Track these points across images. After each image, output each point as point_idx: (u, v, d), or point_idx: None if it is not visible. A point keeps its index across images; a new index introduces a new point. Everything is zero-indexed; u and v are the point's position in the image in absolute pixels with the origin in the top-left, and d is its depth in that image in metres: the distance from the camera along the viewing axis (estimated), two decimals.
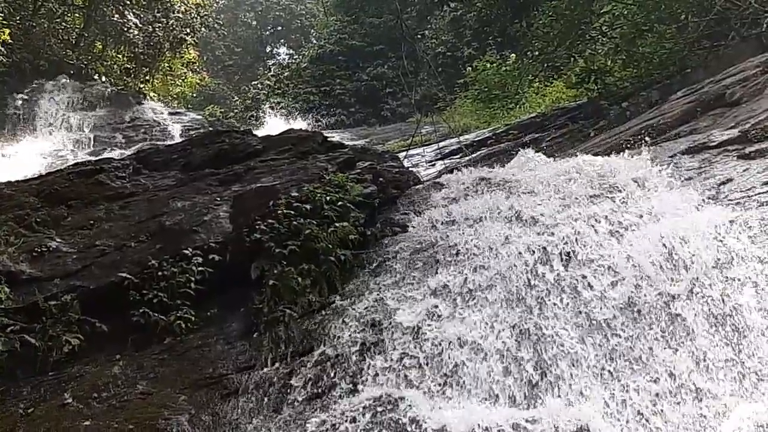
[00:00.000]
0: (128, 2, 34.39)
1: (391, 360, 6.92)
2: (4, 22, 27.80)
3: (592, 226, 7.94)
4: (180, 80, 41.22)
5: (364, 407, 6.45)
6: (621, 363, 6.56)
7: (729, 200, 8.23)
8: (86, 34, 34.85)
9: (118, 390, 7.06)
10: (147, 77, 37.04)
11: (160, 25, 35.71)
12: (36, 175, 11.13)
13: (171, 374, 7.27)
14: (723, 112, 11.35)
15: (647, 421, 6.15)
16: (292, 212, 8.60)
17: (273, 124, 31.82)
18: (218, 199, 9.29)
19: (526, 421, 6.08)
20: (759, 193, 8.19)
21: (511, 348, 6.79)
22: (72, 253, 8.47)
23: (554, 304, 7.12)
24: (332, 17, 46.81)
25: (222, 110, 40.79)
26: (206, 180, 9.86)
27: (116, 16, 34.23)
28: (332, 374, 6.94)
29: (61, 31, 33.91)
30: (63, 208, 9.26)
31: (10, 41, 27.59)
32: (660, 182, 8.78)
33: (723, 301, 6.82)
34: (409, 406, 6.34)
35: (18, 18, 30.75)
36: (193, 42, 39.33)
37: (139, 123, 31.45)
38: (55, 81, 31.65)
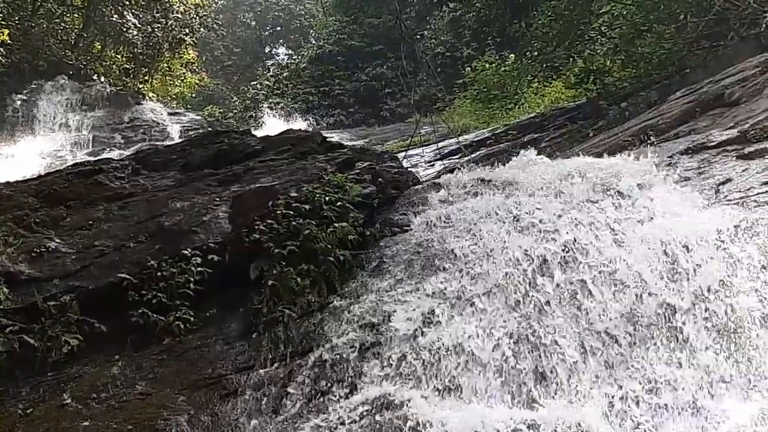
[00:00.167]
0: (127, 3, 34.40)
1: (390, 361, 6.90)
2: (3, 22, 27.82)
3: (593, 232, 7.85)
4: (179, 80, 41.27)
5: (363, 408, 6.44)
6: (621, 373, 6.50)
7: (728, 200, 8.22)
8: (85, 35, 34.87)
9: (117, 390, 7.06)
10: (146, 77, 37.08)
11: (159, 25, 35.74)
12: (35, 176, 11.11)
13: (170, 375, 7.27)
14: (722, 112, 11.34)
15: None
16: (291, 212, 8.59)
17: (272, 125, 31.79)
18: (217, 199, 9.28)
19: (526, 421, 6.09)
20: (758, 193, 8.18)
21: (509, 358, 6.71)
22: (71, 254, 8.47)
23: (553, 312, 7.02)
24: (331, 17, 46.77)
25: (221, 110, 40.75)
26: (205, 180, 9.86)
27: (115, 16, 34.25)
28: (331, 375, 6.93)
29: (60, 31, 33.93)
30: (62, 209, 9.25)
31: (9, 41, 27.61)
32: (664, 186, 8.69)
33: (727, 314, 6.70)
34: (409, 406, 6.33)
35: (17, 18, 30.76)
36: (192, 42, 39.39)
37: (138, 123, 31.48)
38: (54, 81, 31.67)
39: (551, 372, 6.58)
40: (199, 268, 8.13)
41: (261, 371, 7.19)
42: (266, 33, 64.65)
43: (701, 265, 7.14)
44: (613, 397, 6.30)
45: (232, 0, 62.03)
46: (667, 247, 7.39)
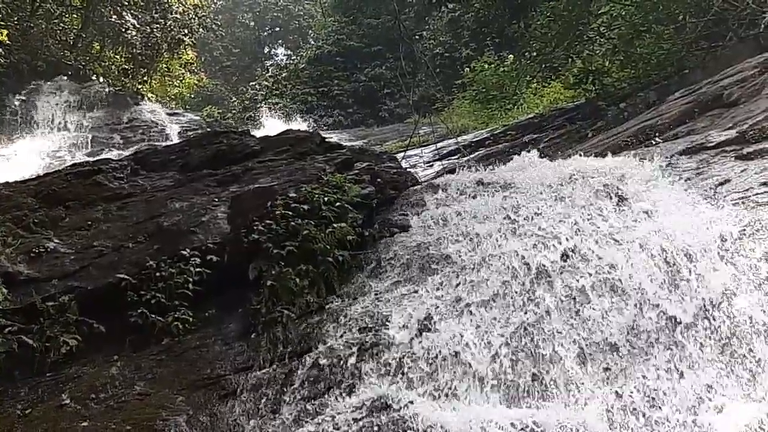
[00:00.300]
0: (126, 3, 34.36)
1: (389, 362, 6.91)
2: (2, 22, 27.77)
3: (593, 237, 7.78)
4: (178, 81, 41.23)
5: (361, 408, 6.45)
6: (620, 384, 6.46)
7: (727, 201, 8.22)
8: (84, 35, 34.82)
9: (116, 391, 7.05)
10: (145, 78, 37.02)
11: (158, 26, 35.69)
12: (34, 176, 11.10)
13: (169, 375, 7.27)
14: (721, 113, 11.36)
15: None
16: (290, 213, 8.60)
17: (271, 125, 31.76)
18: (216, 199, 9.28)
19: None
20: (757, 194, 8.19)
21: (507, 370, 6.68)
22: (70, 254, 8.47)
23: (552, 322, 6.96)
24: (330, 18, 46.81)
25: (220, 111, 40.75)
26: (204, 181, 9.86)
27: (114, 17, 34.20)
28: (330, 375, 6.93)
29: (59, 31, 33.87)
30: (61, 209, 9.25)
31: (8, 42, 27.55)
32: (665, 190, 8.66)
33: (730, 328, 6.67)
34: (407, 406, 6.33)
35: (16, 19, 30.70)
36: (191, 43, 39.33)
37: (137, 124, 31.41)
38: (53, 82, 31.61)
39: (551, 383, 6.54)
40: (197, 269, 8.13)
41: (260, 372, 7.20)
42: (265, 33, 64.65)
43: (704, 276, 7.08)
44: (612, 406, 6.27)
45: (231, 0, 62.05)
46: (669, 255, 7.33)
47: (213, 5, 51.71)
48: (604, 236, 7.80)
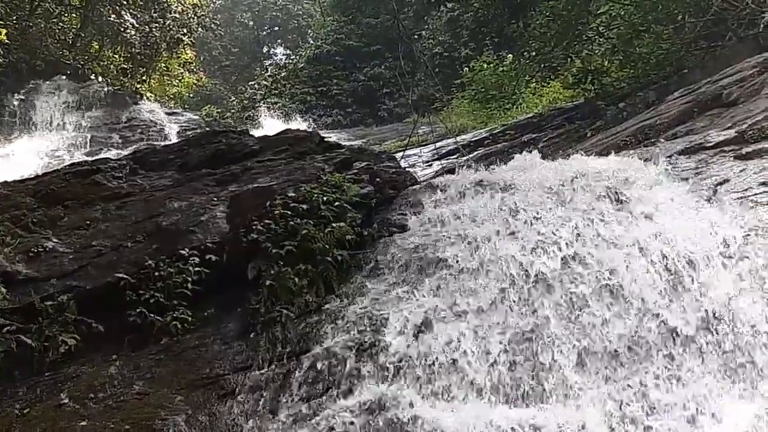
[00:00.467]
0: (125, 2, 34.34)
1: (387, 364, 6.90)
2: (1, 22, 27.70)
3: (594, 243, 7.71)
4: (177, 80, 41.20)
5: (360, 408, 6.45)
6: (620, 394, 6.40)
7: (730, 202, 8.21)
8: (83, 35, 34.79)
9: (115, 390, 7.05)
10: (144, 77, 37.01)
11: (156, 25, 35.67)
12: (32, 176, 11.09)
13: (168, 374, 7.26)
14: (720, 113, 11.35)
15: None
16: (289, 212, 8.59)
17: (270, 125, 31.76)
18: (215, 199, 9.28)
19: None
20: (756, 194, 8.19)
21: (505, 379, 6.65)
22: (68, 254, 8.46)
23: (552, 329, 6.89)
24: (329, 17, 46.77)
25: (219, 110, 40.70)
26: (203, 180, 9.85)
27: (113, 16, 34.19)
28: (329, 375, 6.93)
29: (57, 31, 33.85)
30: (59, 209, 9.24)
31: (6, 41, 27.52)
32: (666, 192, 8.59)
33: (732, 341, 6.61)
34: (406, 406, 6.33)
35: (15, 18, 30.68)
36: (190, 42, 39.33)
37: (135, 123, 31.39)
38: (52, 81, 31.59)
39: (550, 394, 6.50)
40: (196, 268, 8.12)
41: (258, 372, 7.19)
42: (264, 33, 64.60)
43: (707, 286, 7.02)
44: (611, 415, 6.22)
45: (230, 0, 61.99)
46: (670, 262, 7.27)
47: (212, 5, 51.69)
48: (606, 241, 7.72)
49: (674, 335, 6.71)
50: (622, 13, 19.43)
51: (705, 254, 7.34)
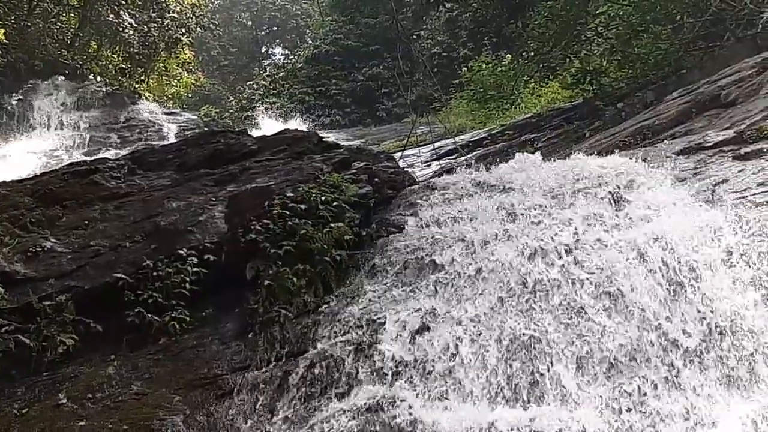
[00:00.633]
0: (123, 2, 34.35)
1: (384, 366, 6.89)
2: (0, 21, 27.77)
3: (594, 248, 7.56)
4: (175, 80, 41.16)
5: (358, 408, 6.45)
6: (620, 401, 6.33)
7: (725, 201, 8.20)
8: (81, 34, 34.78)
9: (113, 390, 7.05)
10: (142, 77, 36.99)
11: (155, 25, 35.67)
12: (31, 176, 11.08)
13: (166, 374, 7.26)
14: (718, 113, 11.36)
15: None
16: (288, 212, 8.59)
17: (268, 125, 31.79)
18: (213, 199, 9.27)
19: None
20: (755, 194, 8.18)
21: (504, 389, 6.57)
22: (67, 254, 8.46)
23: (550, 339, 6.77)
24: (328, 17, 46.77)
25: (217, 110, 40.72)
26: (201, 180, 9.84)
27: (111, 16, 34.20)
28: (327, 375, 6.93)
29: (56, 31, 33.84)
30: (58, 209, 9.24)
31: (5, 41, 27.57)
32: (669, 196, 8.47)
33: (736, 355, 6.53)
34: (404, 406, 6.33)
35: (13, 18, 30.71)
36: (188, 42, 39.33)
37: (134, 123, 31.40)
38: (50, 81, 31.60)
39: (549, 404, 6.42)
40: (195, 268, 8.12)
41: (257, 372, 7.19)
42: (263, 33, 64.60)
43: (711, 298, 6.91)
44: (610, 424, 6.16)
45: (228, 0, 61.96)
46: (672, 271, 7.17)
47: (210, 4, 51.68)
48: (606, 247, 7.58)
49: (675, 346, 6.61)
50: (621, 13, 19.43)
51: (707, 262, 7.24)
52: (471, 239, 8.12)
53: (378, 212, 9.48)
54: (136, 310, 7.74)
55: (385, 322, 7.30)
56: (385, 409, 6.36)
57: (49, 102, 30.83)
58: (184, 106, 43.65)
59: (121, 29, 34.21)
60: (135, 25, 34.75)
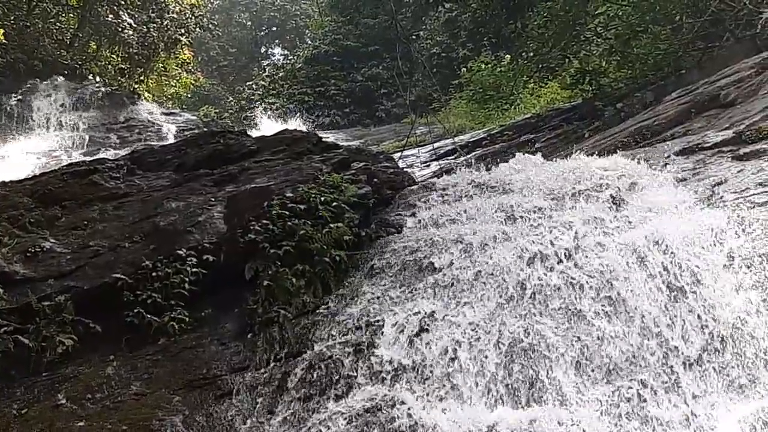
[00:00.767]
0: (122, 2, 34.36)
1: (384, 365, 6.89)
2: None
3: (595, 254, 7.48)
4: (174, 81, 41.18)
5: (358, 408, 6.44)
6: (620, 407, 6.27)
7: (723, 202, 8.20)
8: (80, 35, 34.81)
9: (112, 391, 7.04)
10: (141, 78, 37.00)
11: (154, 25, 35.69)
12: (30, 176, 11.08)
13: (165, 375, 7.26)
14: (717, 113, 11.37)
15: None
16: (287, 213, 8.58)
17: (267, 125, 31.81)
18: (212, 199, 9.27)
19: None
20: (753, 194, 8.18)
21: (502, 393, 6.53)
22: (66, 254, 8.45)
23: (550, 347, 6.71)
24: (327, 18, 46.81)
25: (216, 111, 40.74)
26: (200, 180, 9.84)
27: (110, 16, 34.22)
28: (326, 376, 6.92)
29: (55, 31, 33.86)
30: (57, 209, 9.24)
31: (4, 41, 27.55)
32: (674, 195, 8.44)
33: (739, 365, 6.44)
34: (403, 408, 6.33)
35: (12, 18, 30.72)
36: (187, 42, 39.35)
37: (133, 123, 31.42)
38: (49, 81, 31.62)
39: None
40: (194, 269, 8.11)
41: (256, 372, 7.18)
42: (262, 33, 64.61)
43: (713, 306, 6.83)
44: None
45: (227, 0, 61.96)
46: (675, 278, 7.09)
47: (210, 5, 51.66)
48: (607, 251, 7.51)
49: (676, 355, 6.56)
50: (620, 13, 19.43)
51: (708, 267, 7.17)
52: (469, 242, 8.11)
53: (377, 213, 9.48)
54: (135, 310, 7.74)
55: (383, 325, 7.30)
56: (384, 411, 6.36)
57: (48, 102, 30.83)
58: (184, 106, 43.68)
59: (120, 29, 34.24)
60: (134, 26, 34.78)
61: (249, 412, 6.77)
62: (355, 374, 6.86)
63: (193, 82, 44.26)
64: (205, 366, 7.32)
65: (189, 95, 46.84)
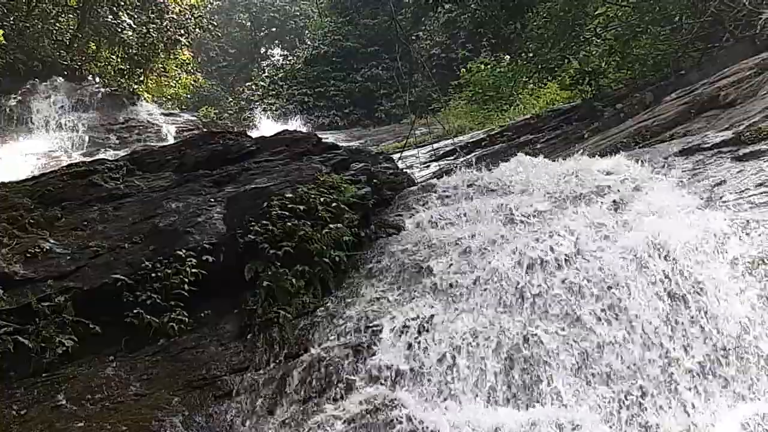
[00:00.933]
0: (122, 3, 34.34)
1: (383, 366, 6.89)
2: None
3: (596, 261, 7.42)
4: (174, 81, 41.11)
5: (358, 409, 6.44)
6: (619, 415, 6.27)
7: (723, 202, 8.20)
8: (80, 35, 34.76)
9: (112, 391, 7.04)
10: (141, 78, 36.93)
11: (154, 26, 35.65)
12: (30, 176, 11.08)
13: (164, 375, 7.26)
14: (717, 114, 11.37)
15: None
16: (287, 213, 8.58)
17: (267, 126, 31.82)
18: (212, 200, 9.27)
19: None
20: (753, 195, 8.18)
21: (500, 401, 6.52)
22: (66, 255, 8.45)
23: (549, 356, 6.68)
24: (326, 18, 46.78)
25: (216, 111, 40.60)
26: (200, 181, 9.84)
27: (110, 17, 34.18)
28: (326, 376, 6.93)
29: (54, 32, 33.83)
30: (57, 209, 9.23)
31: (3, 42, 27.50)
32: (678, 204, 8.32)
33: (744, 379, 6.39)
34: (403, 407, 6.33)
35: (12, 19, 30.68)
36: (187, 43, 39.29)
37: (133, 124, 31.41)
38: (49, 82, 31.60)
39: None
40: (193, 269, 8.10)
41: (255, 373, 7.19)
42: (261, 34, 64.48)
43: (717, 316, 6.78)
44: None
45: (227, 1, 61.88)
46: (677, 288, 7.04)
47: (209, 5, 51.52)
48: (608, 257, 7.46)
49: (678, 366, 6.53)
50: (619, 14, 19.45)
51: (711, 276, 7.12)
52: (467, 246, 8.10)
53: (377, 213, 9.49)
54: (134, 311, 7.73)
55: (382, 329, 7.29)
56: (383, 413, 6.36)
57: (47, 103, 30.82)
58: (183, 106, 43.59)
59: (119, 30, 34.20)
60: (134, 26, 34.75)
61: (248, 412, 6.78)
62: (355, 374, 6.86)
63: (192, 82, 44.18)
64: (205, 367, 7.32)
65: (189, 96, 46.72)
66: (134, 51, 35.54)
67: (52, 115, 30.44)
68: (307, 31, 57.69)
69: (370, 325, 7.37)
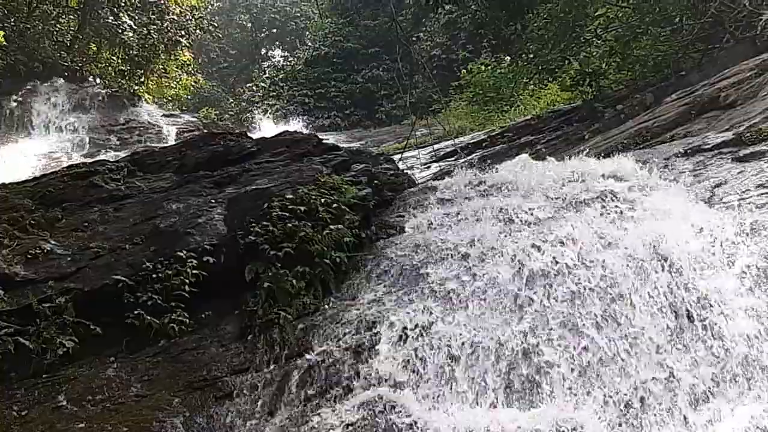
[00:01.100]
0: (123, 4, 34.37)
1: (383, 367, 6.89)
2: None
3: (599, 268, 7.35)
4: (175, 82, 41.18)
5: (358, 410, 6.44)
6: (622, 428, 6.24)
7: (724, 203, 8.19)
8: (81, 36, 34.82)
9: (112, 392, 7.03)
10: (142, 79, 37.00)
11: (154, 27, 35.72)
12: (30, 178, 11.08)
13: (165, 376, 7.25)
14: (717, 115, 11.38)
15: None
16: (287, 214, 8.58)
17: (268, 126, 31.86)
18: (213, 201, 9.27)
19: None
20: (754, 196, 8.18)
21: (499, 407, 6.48)
22: (66, 255, 8.44)
23: (551, 369, 6.63)
24: (327, 19, 46.78)
25: (217, 112, 40.67)
26: (201, 182, 9.84)
27: (110, 18, 34.23)
28: (326, 377, 6.93)
29: (55, 33, 33.90)
30: (57, 211, 9.23)
31: (4, 43, 27.54)
32: (684, 203, 8.32)
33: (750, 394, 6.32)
34: (404, 408, 6.33)
35: (12, 20, 30.72)
36: (187, 44, 39.37)
37: (133, 125, 31.47)
38: (50, 83, 31.65)
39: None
40: (194, 270, 8.09)
41: (256, 374, 7.18)
42: (262, 35, 64.50)
43: (719, 329, 6.73)
44: None
45: (227, 2, 61.91)
46: (684, 304, 6.98)
47: (210, 6, 51.69)
48: (610, 264, 7.40)
49: (681, 383, 6.45)
50: (620, 15, 19.47)
51: (718, 289, 7.06)
52: (466, 252, 8.06)
53: (378, 214, 9.49)
54: (135, 312, 7.72)
55: (382, 326, 7.29)
56: (385, 411, 6.36)
57: (48, 104, 30.85)
58: (184, 107, 43.67)
59: (120, 31, 34.26)
60: (134, 27, 34.81)
61: (249, 413, 6.77)
62: (356, 375, 6.87)
63: (193, 83, 44.26)
64: (206, 367, 7.32)
65: (189, 97, 46.79)
66: (135, 52, 35.61)
67: (52, 117, 30.47)
68: (307, 32, 57.69)
69: (369, 328, 7.37)
